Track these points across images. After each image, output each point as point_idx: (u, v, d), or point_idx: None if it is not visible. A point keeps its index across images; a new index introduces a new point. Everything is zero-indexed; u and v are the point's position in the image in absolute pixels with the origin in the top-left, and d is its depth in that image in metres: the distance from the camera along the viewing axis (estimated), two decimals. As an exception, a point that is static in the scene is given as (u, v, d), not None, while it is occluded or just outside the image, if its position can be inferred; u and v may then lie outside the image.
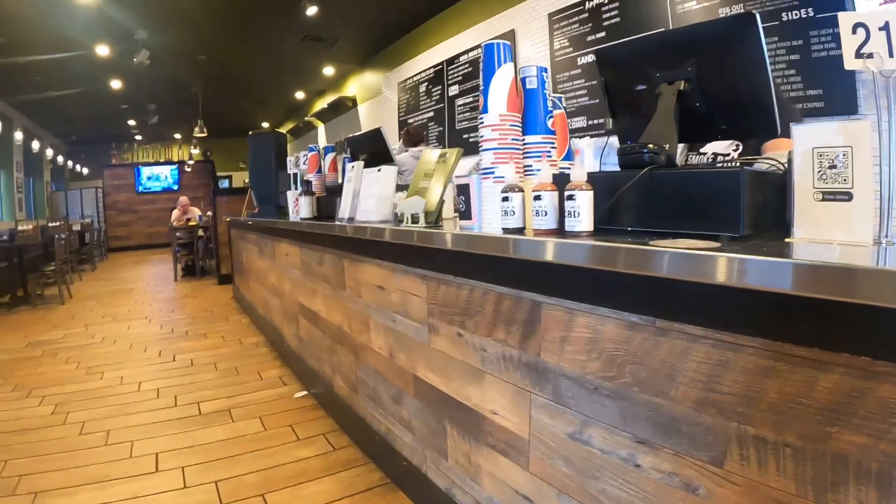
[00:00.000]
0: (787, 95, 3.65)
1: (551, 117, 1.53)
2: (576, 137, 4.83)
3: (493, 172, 1.50)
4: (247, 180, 15.46)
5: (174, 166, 18.03)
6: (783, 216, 1.14)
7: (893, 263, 0.84)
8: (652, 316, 1.11)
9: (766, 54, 1.29)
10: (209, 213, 9.26)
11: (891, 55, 1.12)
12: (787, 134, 1.16)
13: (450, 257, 1.69)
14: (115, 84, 9.88)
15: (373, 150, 3.24)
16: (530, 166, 1.54)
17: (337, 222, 2.64)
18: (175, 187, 17.65)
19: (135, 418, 3.21)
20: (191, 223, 9.77)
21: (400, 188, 2.36)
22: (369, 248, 2.31)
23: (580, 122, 5.27)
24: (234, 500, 2.28)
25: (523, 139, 1.54)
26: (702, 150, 2.03)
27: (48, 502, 2.29)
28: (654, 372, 1.12)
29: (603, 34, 5.02)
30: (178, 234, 9.50)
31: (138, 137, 17.11)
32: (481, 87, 1.49)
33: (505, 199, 1.38)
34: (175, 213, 10.18)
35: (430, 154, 1.93)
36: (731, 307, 0.98)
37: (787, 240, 1.10)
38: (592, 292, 1.23)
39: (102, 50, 7.90)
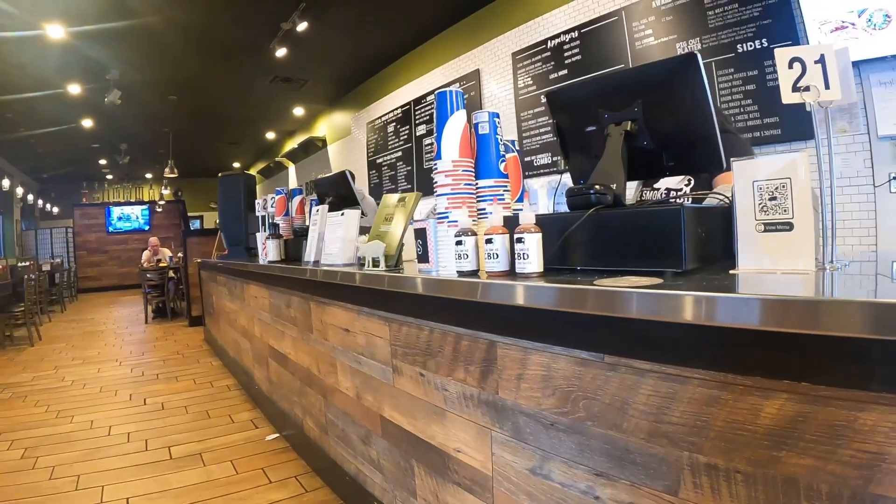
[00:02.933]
0: (743, 124, 3.79)
1: (503, 161, 1.57)
2: (534, 177, 4.93)
3: (447, 217, 1.53)
4: (217, 221, 15.42)
5: (145, 206, 17.82)
6: (730, 248, 1.18)
7: (832, 291, 0.88)
8: (601, 352, 1.14)
9: (708, 92, 1.35)
10: (179, 254, 9.17)
11: (827, 87, 1.19)
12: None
13: (409, 300, 1.72)
14: (87, 123, 9.86)
15: (338, 193, 3.27)
16: (484, 209, 1.57)
17: (303, 265, 2.65)
18: (146, 227, 17.39)
19: (105, 462, 3.17)
20: (161, 264, 9.65)
21: (364, 231, 2.39)
22: (334, 291, 2.32)
23: (545, 158, 5.37)
24: None
25: (476, 183, 1.58)
26: (655, 186, 2.09)
27: None
28: (607, 406, 1.14)
29: (565, 72, 5.16)
30: (148, 275, 9.37)
31: (109, 177, 16.97)
32: (435, 134, 1.53)
33: (458, 242, 1.41)
34: (145, 254, 10.07)
35: (391, 198, 1.96)
36: (674, 341, 1.01)
37: (731, 272, 1.14)
38: (543, 331, 1.26)
39: (74, 89, 7.90)
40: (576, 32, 5.03)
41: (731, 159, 1.18)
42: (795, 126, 3.53)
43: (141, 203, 17.89)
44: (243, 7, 5.98)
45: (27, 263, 10.49)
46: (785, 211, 1.11)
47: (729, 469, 0.95)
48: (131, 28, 6.15)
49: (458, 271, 1.43)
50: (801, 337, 0.82)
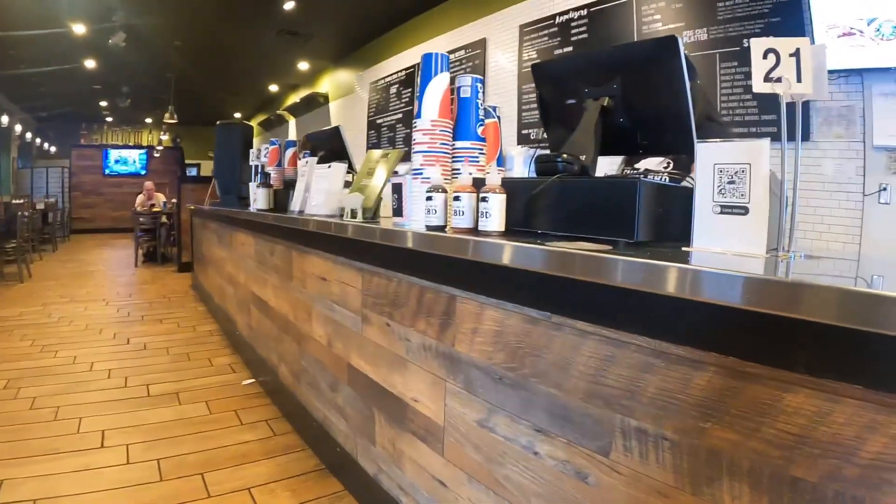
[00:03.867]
0: (741, 119, 3.80)
1: (482, 125, 1.61)
2: (521, 147, 4.94)
3: (421, 173, 1.57)
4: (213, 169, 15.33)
5: (143, 151, 17.71)
6: (688, 229, 1.22)
7: (771, 272, 0.92)
8: (549, 311, 1.19)
9: (686, 77, 1.38)
10: (174, 200, 9.17)
11: (798, 80, 1.22)
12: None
13: (380, 251, 1.77)
14: (90, 64, 9.73)
15: (331, 148, 3.29)
16: (458, 170, 1.61)
17: (283, 215, 2.69)
18: (143, 172, 17.32)
19: (85, 396, 3.25)
20: (154, 209, 9.64)
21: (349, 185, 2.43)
22: (314, 240, 2.37)
23: (532, 133, 5.39)
24: (174, 478, 2.33)
25: (453, 144, 1.62)
26: (636, 166, 2.14)
27: None
28: (550, 364, 1.20)
29: (570, 48, 5.14)
30: (141, 219, 9.38)
31: (109, 119, 16.78)
32: (417, 94, 1.56)
33: (429, 198, 1.46)
34: (140, 198, 10.04)
35: (375, 153, 2.00)
36: (614, 305, 1.06)
37: (683, 248, 1.19)
38: (498, 288, 1.31)
39: (79, 28, 7.78)
40: (585, 10, 5.01)
41: (696, 141, 1.22)
42: (790, 125, 3.55)
43: (139, 147, 17.78)
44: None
45: (21, 201, 10.45)
46: (742, 195, 1.14)
47: (657, 435, 1.01)
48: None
49: (426, 225, 1.48)
50: (731, 312, 0.86)
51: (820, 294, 0.77)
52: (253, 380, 3.58)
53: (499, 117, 1.77)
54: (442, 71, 1.57)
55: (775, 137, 3.42)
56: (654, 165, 2.08)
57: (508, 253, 1.16)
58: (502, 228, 1.32)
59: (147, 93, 12.36)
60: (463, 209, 1.36)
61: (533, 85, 5.22)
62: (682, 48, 1.37)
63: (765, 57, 1.19)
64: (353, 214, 1.88)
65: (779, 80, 1.20)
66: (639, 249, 1.12)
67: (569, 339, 1.15)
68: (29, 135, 15.50)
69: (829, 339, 0.78)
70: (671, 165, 2.08)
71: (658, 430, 1.01)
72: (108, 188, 17.15)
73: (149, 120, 17.03)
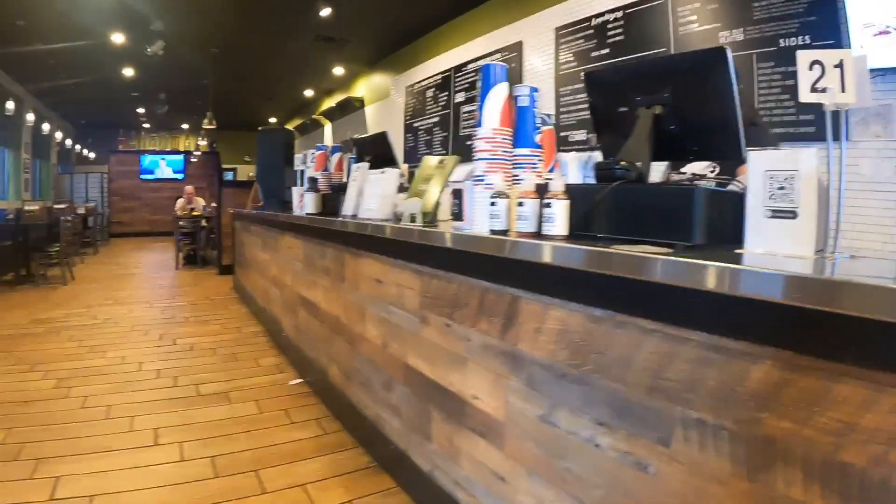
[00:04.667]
0: (779, 119, 3.81)
1: (539, 133, 1.69)
2: (564, 151, 5.00)
3: (483, 180, 1.66)
4: (251, 174, 15.64)
5: (180, 156, 18.21)
6: (741, 231, 1.29)
7: (819, 273, 0.99)
8: (613, 310, 1.27)
9: (735, 87, 1.44)
10: (213, 204, 9.39)
11: (843, 90, 1.28)
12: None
13: (443, 254, 1.85)
14: (128, 72, 10.04)
15: (377, 153, 3.40)
16: (517, 176, 1.70)
17: (337, 219, 2.79)
18: (180, 177, 17.83)
19: (136, 395, 3.33)
20: (195, 213, 9.90)
21: (401, 190, 2.52)
22: (370, 243, 2.46)
23: (580, 134, 5.43)
24: (229, 474, 2.40)
25: (513, 151, 1.70)
26: (682, 170, 2.19)
27: (50, 468, 2.39)
28: (613, 360, 1.27)
29: (607, 51, 5.18)
30: (181, 223, 9.63)
31: (146, 126, 17.27)
32: (478, 103, 1.66)
33: (493, 203, 1.54)
34: (180, 201, 10.31)
35: (431, 160, 2.09)
36: (675, 304, 1.13)
37: (737, 251, 1.25)
38: (563, 289, 1.39)
39: (118, 38, 8.05)
40: (620, 12, 5.04)
41: (748, 150, 1.28)
42: (829, 126, 3.54)
43: (176, 153, 18.31)
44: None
45: (63, 206, 10.80)
46: (791, 200, 1.20)
47: (716, 426, 1.07)
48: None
49: (490, 230, 1.56)
50: (787, 308, 0.93)
51: (863, 291, 0.85)
52: (300, 380, 3.67)
53: (553, 124, 1.85)
54: (501, 81, 1.66)
55: (814, 137, 3.44)
56: (701, 170, 2.14)
57: (577, 256, 1.24)
58: (566, 232, 1.39)
59: (184, 99, 12.68)
60: (527, 214, 1.44)
61: (570, 87, 5.32)
62: (730, 59, 1.43)
63: (810, 68, 1.25)
64: (413, 219, 1.98)
65: (824, 90, 1.26)
66: (697, 251, 1.19)
67: (632, 337, 1.23)
68: (69, 142, 16.00)
69: (872, 332, 0.85)
70: (717, 170, 2.13)
71: (717, 420, 1.07)
72: (145, 193, 17.69)
73: (185, 126, 17.46)
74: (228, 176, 17.74)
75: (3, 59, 9.41)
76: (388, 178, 2.46)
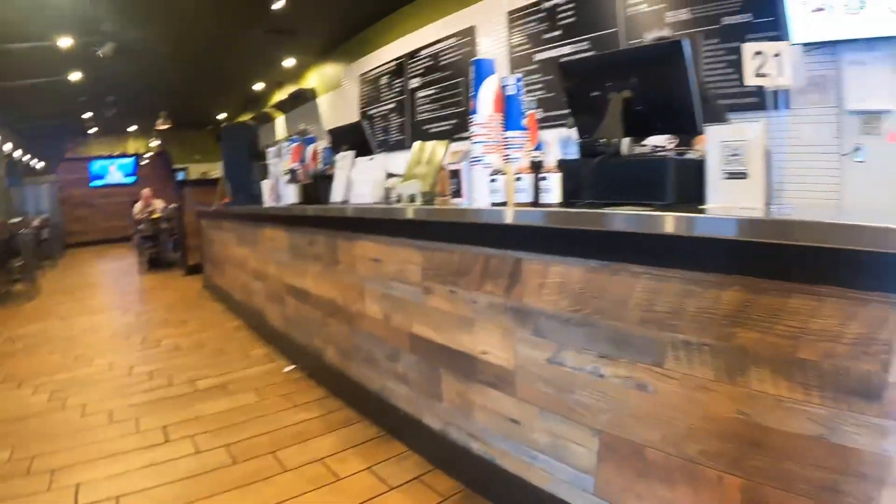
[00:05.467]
0: (725, 92, 4.13)
1: (525, 117, 1.93)
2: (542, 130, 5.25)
3: (481, 160, 1.90)
4: (203, 172, 15.41)
5: (130, 159, 17.81)
6: (702, 191, 1.56)
7: (767, 217, 1.27)
8: (606, 260, 1.54)
9: (691, 73, 1.70)
10: (172, 205, 9.35)
11: (780, 75, 1.56)
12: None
13: (447, 227, 2.09)
14: (75, 76, 9.80)
15: (353, 140, 3.55)
16: (509, 155, 1.93)
17: (331, 205, 2.98)
18: (131, 180, 17.47)
19: (134, 398, 3.37)
20: (154, 215, 9.84)
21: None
22: (366, 225, 2.66)
23: (538, 113, 5.67)
24: (247, 459, 2.51)
25: (504, 134, 1.94)
26: (643, 143, 2.47)
27: (66, 478, 2.40)
28: (610, 302, 1.54)
29: (558, 32, 5.42)
30: (141, 226, 9.56)
31: (93, 130, 16.75)
32: (471, 93, 1.89)
33: (493, 180, 1.79)
34: (138, 205, 10.23)
35: (425, 144, 2.31)
36: (657, 248, 1.41)
37: (702, 206, 1.52)
38: (562, 247, 1.65)
39: (65, 42, 7.86)
40: (571, -6, 5.29)
41: (705, 125, 1.56)
42: (771, 97, 3.89)
43: (125, 156, 17.85)
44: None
45: (19, 220, 10.56)
46: (742, 164, 1.49)
47: (699, 343, 1.35)
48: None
49: (491, 203, 1.80)
50: (745, 244, 1.23)
51: (801, 226, 1.15)
52: (294, 366, 3.80)
53: (536, 109, 2.10)
54: (491, 73, 1.89)
55: (757, 107, 3.76)
56: (661, 142, 2.41)
57: (575, 217, 1.50)
58: (559, 200, 1.65)
59: (133, 100, 12.37)
60: (525, 187, 1.69)
61: (524, 70, 5.54)
62: (687, 50, 1.69)
63: (753, 57, 1.53)
64: (413, 199, 2.19)
65: (766, 75, 1.54)
66: (671, 208, 1.46)
67: (624, 280, 1.50)
68: (18, 152, 15.48)
69: (811, 256, 1.14)
70: (675, 142, 2.41)
71: (700, 339, 1.35)
72: (97, 199, 17.29)
73: (133, 128, 17.03)
74: (180, 175, 17.44)
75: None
76: (378, 164, 2.66)
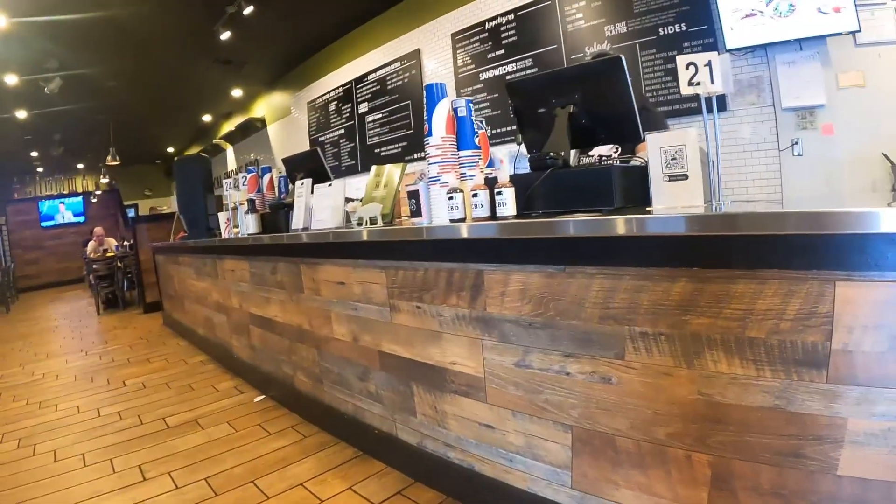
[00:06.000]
0: (664, 99, 4.34)
1: (477, 136, 2.03)
2: (492, 147, 5.40)
3: (438, 179, 1.98)
4: (152, 207, 15.13)
5: (79, 197, 17.36)
6: (648, 195, 1.68)
7: (707, 212, 1.39)
8: (562, 265, 1.64)
9: (629, 85, 1.83)
10: (125, 242, 9.17)
11: (712, 83, 1.69)
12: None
13: (408, 246, 2.16)
14: (21, 114, 9.57)
15: (308, 168, 3.59)
16: (464, 173, 2.03)
17: (292, 233, 3.02)
18: (81, 220, 17.03)
19: (105, 440, 3.31)
20: (108, 254, 9.63)
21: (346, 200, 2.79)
22: (329, 250, 2.71)
23: (487, 131, 5.80)
24: (228, 490, 2.50)
25: (458, 154, 2.03)
26: (590, 153, 2.60)
27: None
28: (569, 304, 1.64)
29: (502, 51, 5.60)
30: (95, 266, 9.34)
31: (40, 169, 16.33)
32: (426, 117, 1.98)
33: (450, 198, 1.87)
34: (91, 244, 10.00)
35: (380, 168, 2.39)
36: (609, 249, 1.52)
37: (648, 208, 1.64)
38: (520, 256, 1.75)
39: (10, 79, 7.72)
40: (512, 15, 5.47)
41: (646, 132, 1.68)
42: (709, 101, 4.10)
43: (75, 195, 17.40)
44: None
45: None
46: (682, 167, 1.61)
47: (655, 333, 1.46)
48: (72, 18, 6.16)
49: (450, 220, 1.89)
50: (689, 238, 1.35)
51: (737, 218, 1.27)
52: (263, 396, 3.80)
53: (485, 128, 2.20)
54: (443, 97, 1.99)
55: (696, 111, 4.02)
56: (606, 152, 2.55)
57: (531, 227, 1.60)
58: (515, 213, 1.74)
59: (80, 137, 12.16)
60: (481, 203, 1.78)
61: (470, 89, 5.72)
62: (625, 65, 1.82)
63: (687, 68, 1.66)
64: (374, 221, 2.26)
65: (698, 84, 1.67)
66: (619, 212, 1.57)
67: (581, 282, 1.60)
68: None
69: (748, 244, 1.28)
70: (619, 150, 2.54)
71: (655, 329, 1.46)
72: (48, 241, 16.74)
73: (81, 165, 16.64)
74: (131, 212, 17.11)
75: None
76: (336, 189, 2.72)
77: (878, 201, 1.69)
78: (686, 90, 1.72)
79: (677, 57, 1.71)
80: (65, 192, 17.49)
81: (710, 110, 1.69)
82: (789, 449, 1.27)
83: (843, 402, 1.19)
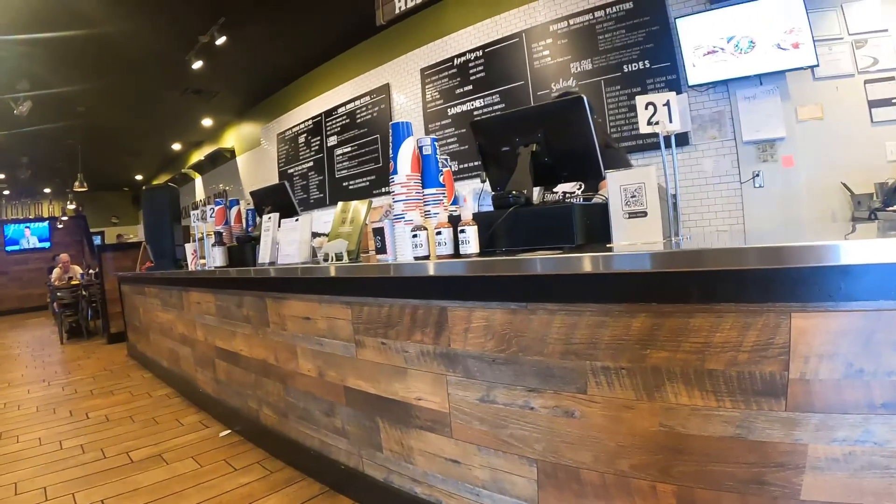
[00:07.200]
0: (628, 134, 4.45)
1: (441, 174, 2.07)
2: (457, 182, 5.46)
3: (403, 217, 2.01)
4: (119, 235, 14.88)
5: (45, 223, 17.01)
6: (608, 231, 1.72)
7: (666, 249, 1.43)
8: (524, 302, 1.67)
9: (591, 124, 1.89)
10: (91, 270, 9.00)
11: (670, 122, 1.76)
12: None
13: (373, 283, 2.18)
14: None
15: (276, 202, 3.59)
16: (429, 211, 2.06)
17: (258, 267, 3.01)
18: (46, 245, 16.66)
19: (67, 473, 3.24)
20: (73, 282, 9.43)
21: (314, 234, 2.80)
22: (296, 285, 2.71)
23: (452, 166, 5.89)
24: None
25: (423, 192, 2.07)
26: (554, 190, 2.66)
27: None
28: (532, 339, 1.66)
29: (470, 87, 5.70)
30: (59, 293, 9.14)
31: (7, 192, 15.98)
32: (391, 155, 2.01)
33: (415, 235, 1.90)
34: (55, 271, 9.80)
35: (346, 205, 2.41)
36: (570, 286, 1.55)
37: (608, 245, 1.68)
38: (483, 293, 1.77)
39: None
40: (480, 51, 5.59)
41: (606, 170, 1.73)
42: (675, 136, 4.25)
43: (40, 220, 17.06)
44: (163, 20, 6.09)
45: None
46: (641, 204, 1.66)
47: (617, 367, 1.49)
48: (45, 39, 6.13)
49: (414, 257, 1.91)
50: (648, 274, 1.38)
51: (693, 255, 1.32)
52: (229, 431, 3.73)
53: (449, 166, 2.24)
54: (408, 136, 2.02)
55: (658, 147, 4.07)
56: (569, 189, 2.61)
57: (492, 265, 1.63)
58: (478, 251, 1.77)
59: (47, 162, 11.99)
60: (445, 241, 1.81)
61: (439, 124, 5.81)
62: (587, 105, 1.88)
63: (646, 108, 1.73)
64: (339, 257, 2.27)
65: (657, 122, 1.74)
66: (580, 249, 1.61)
67: (542, 318, 1.63)
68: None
69: (704, 279, 1.33)
70: (582, 187, 2.60)
71: (616, 364, 1.49)
72: (11, 266, 16.32)
73: (48, 190, 16.34)
74: (97, 239, 16.79)
75: None
76: (303, 224, 2.73)
77: (838, 231, 1.76)
78: (645, 129, 1.78)
79: (637, 97, 1.78)
80: (31, 217, 17.16)
81: (668, 147, 1.75)
82: (752, 476, 1.30)
83: (802, 429, 1.23)
